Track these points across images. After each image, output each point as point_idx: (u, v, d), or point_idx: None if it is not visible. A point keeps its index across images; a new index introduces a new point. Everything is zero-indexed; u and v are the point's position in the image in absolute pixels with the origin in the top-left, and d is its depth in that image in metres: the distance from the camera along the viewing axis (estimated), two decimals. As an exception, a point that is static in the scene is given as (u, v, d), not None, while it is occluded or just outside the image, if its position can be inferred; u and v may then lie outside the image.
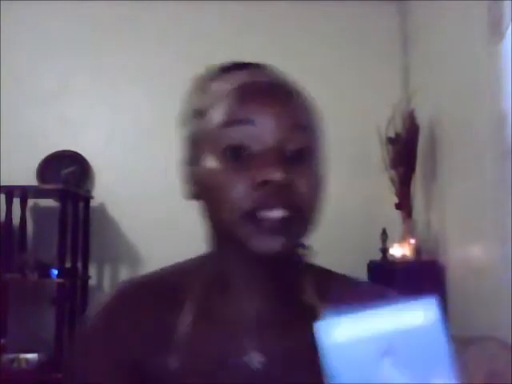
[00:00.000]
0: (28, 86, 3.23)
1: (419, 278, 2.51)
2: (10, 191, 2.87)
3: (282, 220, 0.57)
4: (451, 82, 2.56)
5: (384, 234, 2.84)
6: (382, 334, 0.45)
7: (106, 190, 3.16)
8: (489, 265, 2.15)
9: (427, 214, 2.90)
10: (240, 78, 0.64)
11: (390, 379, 0.44)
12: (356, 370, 0.44)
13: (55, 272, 2.72)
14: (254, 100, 0.61)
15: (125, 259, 3.17)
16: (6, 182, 2.85)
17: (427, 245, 2.83)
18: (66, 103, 3.23)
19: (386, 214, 2.91)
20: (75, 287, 2.93)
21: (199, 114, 0.64)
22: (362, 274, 2.67)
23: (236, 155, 0.59)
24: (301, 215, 0.59)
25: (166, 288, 0.66)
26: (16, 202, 2.92)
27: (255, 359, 0.61)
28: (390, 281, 2.54)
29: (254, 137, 0.59)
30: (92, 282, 3.13)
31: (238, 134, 0.60)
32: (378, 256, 2.82)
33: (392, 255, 2.81)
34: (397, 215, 2.89)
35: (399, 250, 2.80)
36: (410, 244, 2.79)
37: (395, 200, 2.86)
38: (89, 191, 3.13)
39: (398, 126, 2.79)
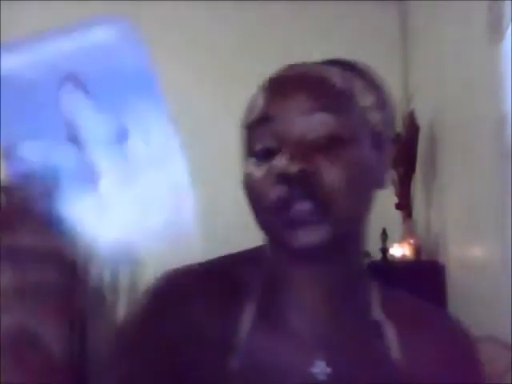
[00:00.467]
0: (28, 86, 3.23)
1: (419, 277, 2.51)
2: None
3: (310, 212, 0.55)
4: (451, 82, 2.56)
5: (384, 234, 2.84)
6: (60, 55, 0.39)
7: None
8: (489, 265, 2.15)
9: (427, 213, 2.90)
10: (270, 77, 0.62)
11: (73, 101, 0.38)
12: (30, 103, 0.38)
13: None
14: (274, 96, 0.59)
15: (125, 259, 3.17)
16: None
17: (427, 245, 2.83)
18: (65, 103, 3.23)
19: (386, 214, 2.91)
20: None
21: (244, 117, 0.63)
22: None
23: (262, 154, 0.58)
24: (329, 205, 0.55)
25: (224, 283, 0.62)
26: (16, 201, 2.92)
27: (322, 370, 0.58)
28: (390, 281, 2.53)
29: (275, 133, 0.57)
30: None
31: (260, 134, 0.58)
32: (378, 256, 2.82)
33: (392, 255, 2.81)
34: (397, 215, 2.89)
35: (399, 250, 2.80)
36: (410, 244, 2.79)
37: (395, 200, 2.86)
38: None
39: (398, 126, 2.79)
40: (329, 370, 0.58)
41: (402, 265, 2.76)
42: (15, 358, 0.39)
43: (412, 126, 2.79)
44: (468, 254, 2.39)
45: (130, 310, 0.59)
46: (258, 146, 0.58)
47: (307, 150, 0.55)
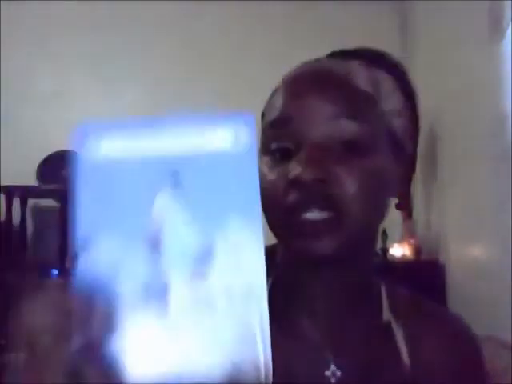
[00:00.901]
0: (28, 86, 3.23)
1: (419, 277, 2.51)
2: (10, 191, 2.87)
3: (323, 221, 0.53)
4: (451, 82, 2.56)
5: (384, 234, 2.84)
6: (165, 155, 0.35)
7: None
8: (489, 265, 2.15)
9: (427, 213, 2.90)
10: (292, 73, 0.60)
11: (164, 213, 0.35)
12: (120, 196, 0.35)
13: (55, 272, 2.72)
14: (295, 96, 0.57)
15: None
16: (6, 182, 2.85)
17: (427, 245, 2.83)
18: (65, 103, 3.23)
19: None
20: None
21: (262, 116, 0.62)
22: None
23: (278, 154, 0.56)
24: (343, 216, 0.53)
25: None
26: (16, 202, 2.92)
27: (332, 373, 0.57)
28: (390, 281, 2.54)
29: (293, 135, 0.55)
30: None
31: (278, 133, 0.56)
32: (377, 256, 2.82)
33: (392, 255, 2.81)
34: (397, 215, 2.89)
35: (399, 250, 2.80)
36: (410, 244, 2.79)
37: (395, 200, 2.86)
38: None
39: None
40: (339, 373, 0.57)
41: (401, 265, 2.76)
42: None
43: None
44: (468, 254, 2.39)
45: None
46: (274, 146, 0.56)
47: (324, 156, 0.53)
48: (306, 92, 0.56)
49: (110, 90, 3.28)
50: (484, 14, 2.06)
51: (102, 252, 0.34)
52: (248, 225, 0.34)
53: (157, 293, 0.34)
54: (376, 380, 0.58)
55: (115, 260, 0.34)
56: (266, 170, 0.56)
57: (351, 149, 0.54)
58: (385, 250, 2.82)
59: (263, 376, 0.33)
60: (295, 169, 0.53)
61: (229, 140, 0.35)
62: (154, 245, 0.34)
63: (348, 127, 0.54)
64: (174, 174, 0.35)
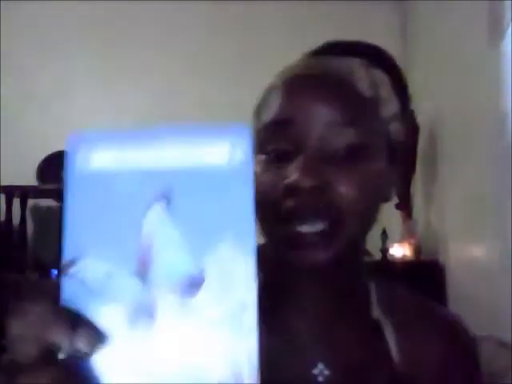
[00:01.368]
0: (28, 86, 3.23)
1: (419, 277, 2.51)
2: (10, 191, 2.87)
3: (318, 233, 0.52)
4: (451, 82, 2.56)
5: (384, 234, 2.84)
6: (158, 169, 0.34)
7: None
8: (489, 265, 2.15)
9: (427, 214, 2.90)
10: (290, 71, 0.59)
11: (156, 227, 0.34)
12: (112, 209, 0.34)
13: (55, 272, 2.72)
14: (294, 97, 0.56)
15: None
16: (5, 182, 2.84)
17: (427, 245, 2.83)
18: (66, 103, 3.23)
19: (386, 213, 2.90)
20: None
21: (256, 114, 0.61)
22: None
23: (274, 155, 0.55)
24: (339, 225, 0.53)
25: None
26: (16, 202, 2.92)
27: (323, 372, 0.57)
28: (389, 281, 2.53)
29: (292, 138, 0.54)
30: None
31: (275, 135, 0.55)
32: (378, 256, 2.82)
33: (392, 255, 2.81)
34: (397, 215, 2.89)
35: (399, 250, 2.80)
36: (410, 244, 2.79)
37: (395, 200, 2.86)
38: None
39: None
40: (327, 372, 0.57)
41: (401, 265, 2.76)
42: None
43: (412, 126, 2.79)
44: (468, 254, 2.39)
45: None
46: (271, 147, 0.55)
47: (323, 163, 0.52)
48: (307, 95, 0.55)
49: (110, 90, 3.28)
50: (484, 14, 2.06)
51: (90, 270, 0.34)
52: (240, 246, 0.33)
53: (144, 314, 0.33)
54: (364, 378, 0.58)
55: (102, 278, 0.34)
56: (259, 169, 0.55)
57: (350, 156, 0.54)
58: (385, 250, 2.82)
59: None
60: (293, 175, 0.52)
61: (224, 153, 0.34)
62: (144, 263, 0.34)
63: (348, 134, 0.54)
64: (166, 189, 0.34)
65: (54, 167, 3.07)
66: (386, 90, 0.59)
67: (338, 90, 0.56)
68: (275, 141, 0.55)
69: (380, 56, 0.64)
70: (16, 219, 2.90)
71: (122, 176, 0.34)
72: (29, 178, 3.01)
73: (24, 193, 2.94)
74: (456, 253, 2.55)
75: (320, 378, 0.57)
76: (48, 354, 0.33)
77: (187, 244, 0.34)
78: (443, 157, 2.69)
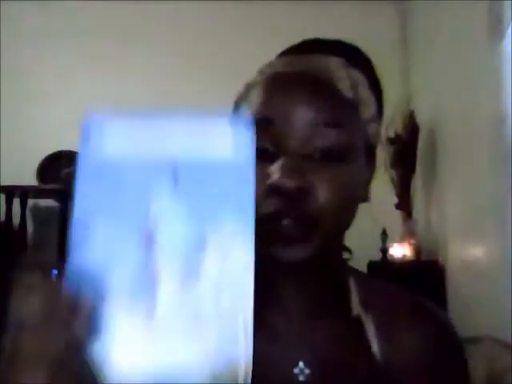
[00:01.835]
0: (28, 86, 3.23)
1: (419, 277, 2.51)
2: (10, 191, 2.87)
3: (298, 232, 0.53)
4: (451, 81, 2.56)
5: (384, 234, 2.84)
6: (165, 154, 0.36)
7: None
8: (489, 265, 2.15)
9: (427, 213, 2.90)
10: (271, 69, 0.59)
11: (161, 210, 0.36)
12: (119, 190, 0.36)
13: (55, 272, 2.71)
14: (276, 97, 0.56)
15: None
16: (5, 182, 2.85)
17: (427, 245, 2.83)
18: (66, 103, 3.23)
19: (386, 214, 2.91)
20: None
21: (235, 108, 0.61)
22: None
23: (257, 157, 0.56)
24: (319, 225, 0.54)
25: None
26: (16, 202, 2.92)
27: (303, 371, 0.58)
28: (389, 281, 2.54)
29: (274, 137, 0.54)
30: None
31: (257, 135, 0.56)
32: (377, 256, 2.82)
33: (392, 255, 2.81)
34: (397, 215, 2.90)
35: (399, 250, 2.80)
36: (410, 244, 2.79)
37: (395, 200, 2.86)
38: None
39: (398, 127, 2.79)
40: (307, 370, 0.58)
41: (401, 265, 2.76)
42: None
43: (412, 126, 2.79)
44: (468, 254, 2.39)
45: None
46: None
47: (304, 162, 0.53)
48: (289, 94, 0.56)
49: (111, 90, 3.28)
50: (484, 14, 2.06)
51: (98, 244, 0.35)
52: (240, 227, 0.35)
53: (146, 288, 0.34)
54: (345, 375, 0.58)
55: (109, 253, 0.35)
56: None
57: (330, 157, 0.55)
58: (385, 250, 2.82)
59: (243, 376, 0.34)
60: (275, 175, 0.52)
61: (228, 142, 0.36)
62: (148, 241, 0.35)
63: (329, 136, 0.54)
64: (173, 173, 0.36)
65: (54, 167, 3.07)
66: (364, 91, 0.59)
67: (319, 91, 0.56)
68: (256, 139, 0.56)
69: (357, 56, 0.64)
70: (16, 219, 2.90)
71: (132, 159, 0.36)
72: (29, 178, 3.01)
73: (24, 193, 2.94)
74: (456, 253, 2.55)
75: (301, 377, 0.58)
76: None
77: (190, 222, 0.35)
78: (443, 157, 2.69)
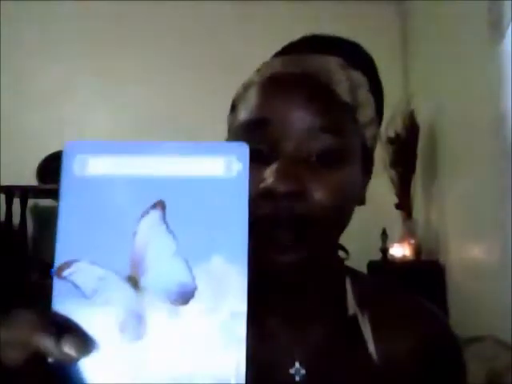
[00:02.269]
0: (28, 86, 3.23)
1: (419, 277, 2.51)
2: (10, 191, 2.87)
3: (292, 238, 0.52)
4: (451, 82, 2.56)
5: (384, 234, 2.84)
6: (154, 177, 0.34)
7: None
8: (489, 265, 2.15)
9: (427, 213, 2.90)
10: (269, 69, 0.59)
11: (150, 235, 0.34)
12: (106, 215, 0.34)
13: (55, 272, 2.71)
14: (273, 99, 0.55)
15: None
16: (5, 182, 2.85)
17: (427, 245, 2.83)
18: (66, 103, 3.23)
19: (386, 213, 2.91)
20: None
21: (232, 107, 0.61)
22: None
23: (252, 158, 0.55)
24: (313, 231, 0.53)
25: None
26: (16, 202, 2.92)
27: (299, 371, 0.58)
28: (389, 281, 2.53)
29: (270, 139, 0.53)
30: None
31: (252, 135, 0.54)
32: (378, 256, 2.82)
33: (392, 255, 2.81)
34: (397, 215, 2.90)
35: (399, 250, 2.80)
36: (410, 244, 2.79)
37: (395, 200, 2.86)
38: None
39: (398, 126, 2.79)
40: (303, 371, 0.58)
41: (401, 265, 2.76)
42: None
43: (412, 126, 2.79)
44: (468, 254, 2.39)
45: None
46: None
47: (299, 166, 0.53)
48: (286, 97, 0.55)
49: (111, 90, 3.28)
50: (484, 14, 2.06)
51: (82, 274, 0.34)
52: (234, 257, 0.34)
53: (134, 321, 0.34)
54: (342, 375, 0.58)
55: (95, 283, 0.34)
56: None
57: (326, 160, 0.54)
58: (385, 250, 2.82)
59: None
60: (269, 179, 0.52)
61: (221, 165, 0.35)
62: (136, 270, 0.34)
63: (325, 140, 0.54)
64: (161, 197, 0.34)
65: (53, 167, 3.07)
66: (363, 94, 0.59)
67: (317, 94, 0.55)
68: (252, 141, 0.55)
69: (358, 54, 0.63)
70: (16, 219, 2.90)
71: (118, 183, 0.35)
72: (29, 178, 3.00)
73: (24, 193, 2.94)
74: (456, 253, 2.55)
75: (297, 377, 0.58)
76: (35, 359, 0.33)
77: (180, 252, 0.34)
78: (443, 157, 2.69)
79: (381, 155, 2.82)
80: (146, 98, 3.25)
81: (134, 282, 0.34)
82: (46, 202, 3.10)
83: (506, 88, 1.91)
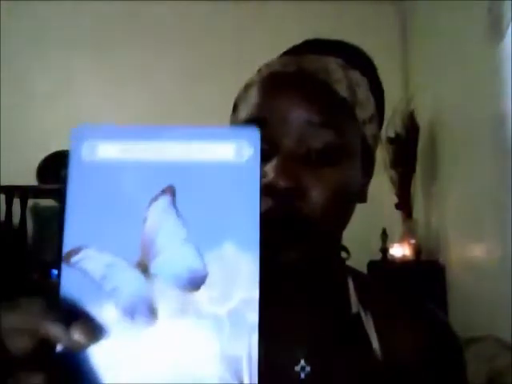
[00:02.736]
0: (28, 86, 3.23)
1: (419, 278, 2.51)
2: (10, 191, 2.87)
3: (292, 235, 0.52)
4: (451, 82, 2.56)
5: (384, 234, 2.84)
6: (164, 162, 0.34)
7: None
8: (489, 265, 2.15)
9: (427, 213, 2.90)
10: (268, 68, 0.59)
11: (160, 220, 0.33)
12: (116, 200, 0.33)
13: (55, 272, 2.72)
14: (272, 96, 0.56)
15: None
16: (5, 182, 2.85)
17: (427, 245, 2.83)
18: (66, 103, 3.23)
19: (386, 213, 2.91)
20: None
21: (234, 107, 0.62)
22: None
23: None
24: (314, 227, 0.53)
25: None
26: (16, 202, 2.92)
27: (305, 368, 0.58)
28: (390, 281, 2.53)
29: (268, 137, 0.53)
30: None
31: None
32: (378, 256, 2.82)
33: (392, 255, 2.81)
34: (397, 215, 2.90)
35: (399, 250, 2.80)
36: (410, 244, 2.79)
37: (395, 200, 2.86)
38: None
39: (398, 126, 2.79)
40: (308, 368, 0.58)
41: (402, 265, 2.76)
42: None
43: (412, 126, 2.79)
44: (468, 254, 2.39)
45: None
46: None
47: (298, 163, 0.53)
48: (284, 95, 0.55)
49: (110, 90, 3.28)
50: (484, 14, 2.06)
51: (91, 260, 0.33)
52: (245, 243, 0.33)
53: (144, 307, 0.33)
54: (346, 372, 0.58)
55: (104, 269, 0.33)
56: None
57: (325, 157, 0.54)
58: (385, 250, 2.82)
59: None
60: (268, 175, 0.52)
61: (232, 151, 0.34)
62: (146, 256, 0.33)
63: (324, 136, 0.54)
64: (172, 182, 0.34)
65: (53, 167, 3.07)
66: (363, 92, 0.59)
67: (314, 91, 0.56)
68: None
69: (358, 56, 0.64)
70: (16, 219, 2.90)
71: (127, 168, 0.34)
72: (29, 178, 3.00)
73: (24, 193, 2.94)
74: (456, 253, 2.55)
75: (302, 375, 0.58)
76: (43, 347, 0.33)
77: (191, 238, 0.33)
78: (443, 157, 2.69)
79: (381, 155, 2.82)
80: (146, 98, 3.25)
81: (143, 268, 0.33)
82: (46, 202, 3.10)
83: (506, 88, 1.91)
